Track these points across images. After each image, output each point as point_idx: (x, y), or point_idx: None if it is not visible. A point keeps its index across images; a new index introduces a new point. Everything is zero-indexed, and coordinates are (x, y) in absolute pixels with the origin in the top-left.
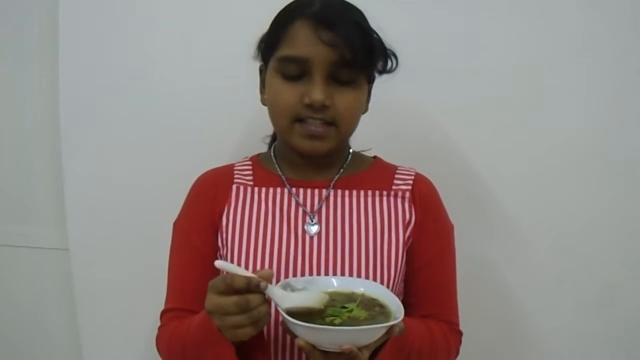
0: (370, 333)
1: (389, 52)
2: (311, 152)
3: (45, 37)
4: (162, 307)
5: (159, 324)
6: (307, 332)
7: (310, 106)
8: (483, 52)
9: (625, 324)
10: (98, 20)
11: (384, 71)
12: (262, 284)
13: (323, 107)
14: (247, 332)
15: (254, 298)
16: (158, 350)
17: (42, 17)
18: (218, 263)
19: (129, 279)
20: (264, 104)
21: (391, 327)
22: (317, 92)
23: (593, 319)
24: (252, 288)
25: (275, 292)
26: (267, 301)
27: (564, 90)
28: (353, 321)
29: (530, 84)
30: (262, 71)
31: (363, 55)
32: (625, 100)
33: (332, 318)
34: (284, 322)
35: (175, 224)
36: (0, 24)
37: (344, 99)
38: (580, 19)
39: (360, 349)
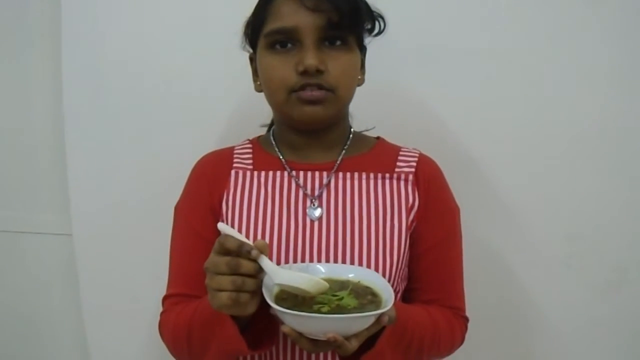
0: (356, 322)
1: (375, 13)
2: (312, 118)
3: (48, 27)
4: (163, 291)
5: (160, 307)
6: (292, 320)
7: (305, 73)
8: (489, 35)
9: (633, 307)
10: (101, 10)
11: (372, 32)
12: (254, 252)
13: (318, 72)
14: (225, 300)
15: (245, 263)
16: (161, 336)
17: (44, 8)
18: (220, 225)
19: (132, 264)
20: (258, 90)
21: (380, 317)
22: (309, 58)
23: (601, 303)
24: (244, 253)
25: (268, 264)
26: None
27: (569, 73)
28: (341, 309)
29: (536, 68)
30: (253, 59)
31: (349, 16)
32: (633, 87)
33: (320, 305)
34: (272, 308)
35: (176, 208)
36: (4, 15)
37: (337, 62)
38: (593, 7)
39: (348, 338)
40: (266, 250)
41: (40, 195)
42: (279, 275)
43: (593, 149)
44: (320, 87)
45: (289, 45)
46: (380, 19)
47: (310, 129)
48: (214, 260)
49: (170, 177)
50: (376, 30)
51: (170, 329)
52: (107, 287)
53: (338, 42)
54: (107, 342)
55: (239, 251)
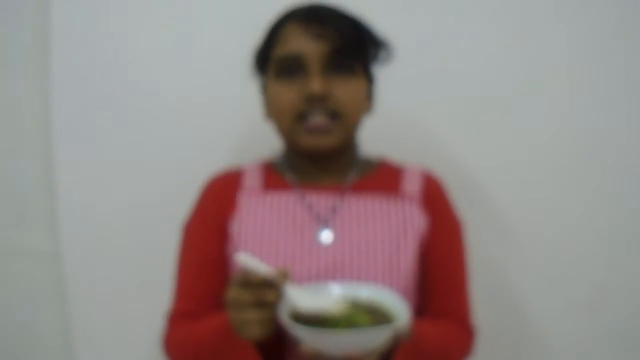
0: (374, 335)
1: (379, 40)
2: (318, 148)
3: (38, 38)
4: (155, 311)
5: (153, 328)
6: (309, 336)
7: (310, 98)
8: (486, 55)
9: (616, 326)
10: (92, 22)
11: (377, 58)
12: (280, 283)
13: (323, 98)
14: (256, 333)
15: (270, 294)
16: (166, 352)
17: (34, 19)
18: (241, 257)
19: (121, 284)
20: (267, 118)
21: (396, 330)
22: (314, 83)
23: (584, 321)
24: (268, 284)
25: (292, 293)
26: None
27: (557, 91)
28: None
29: (530, 86)
30: (264, 89)
31: (354, 42)
32: (614, 101)
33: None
34: (289, 327)
35: (184, 226)
36: None
37: (342, 88)
38: (567, 22)
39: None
40: (288, 277)
41: (29, 213)
42: (303, 302)
43: (577, 169)
44: (325, 113)
45: (296, 72)
46: (386, 46)
47: (318, 157)
48: (238, 294)
49: (162, 196)
50: (383, 57)
51: (177, 346)
52: (96, 307)
53: (344, 69)
54: None
55: (264, 284)
